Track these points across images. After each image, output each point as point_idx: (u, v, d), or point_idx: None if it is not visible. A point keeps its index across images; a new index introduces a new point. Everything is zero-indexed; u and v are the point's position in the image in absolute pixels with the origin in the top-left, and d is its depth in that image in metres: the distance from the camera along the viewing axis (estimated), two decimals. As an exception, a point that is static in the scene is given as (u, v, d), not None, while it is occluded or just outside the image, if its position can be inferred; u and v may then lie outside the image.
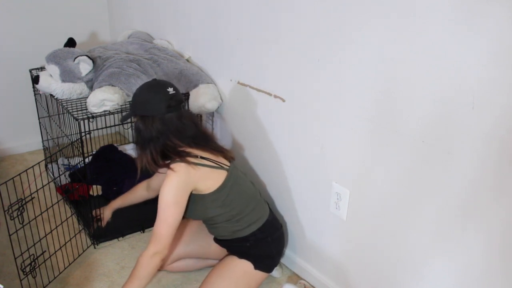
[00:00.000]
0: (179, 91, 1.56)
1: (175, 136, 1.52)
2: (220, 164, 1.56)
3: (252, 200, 1.63)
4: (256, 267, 1.62)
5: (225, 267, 1.63)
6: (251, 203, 1.63)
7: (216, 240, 1.72)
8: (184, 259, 1.80)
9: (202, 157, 1.52)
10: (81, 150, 1.79)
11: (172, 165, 1.48)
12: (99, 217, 1.95)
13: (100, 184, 2.25)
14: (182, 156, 1.49)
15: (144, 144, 1.54)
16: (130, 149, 2.77)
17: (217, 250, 1.75)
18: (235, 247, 1.65)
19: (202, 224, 1.73)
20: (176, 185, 1.47)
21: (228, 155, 1.63)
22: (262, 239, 1.64)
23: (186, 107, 2.03)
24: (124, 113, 1.79)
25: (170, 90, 1.52)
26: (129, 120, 1.69)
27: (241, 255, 1.63)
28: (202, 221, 1.70)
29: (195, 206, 1.56)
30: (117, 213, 2.07)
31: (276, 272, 1.81)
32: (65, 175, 2.23)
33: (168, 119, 1.51)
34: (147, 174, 1.63)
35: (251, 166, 1.96)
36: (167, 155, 1.53)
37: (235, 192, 1.58)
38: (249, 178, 1.73)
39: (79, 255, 1.89)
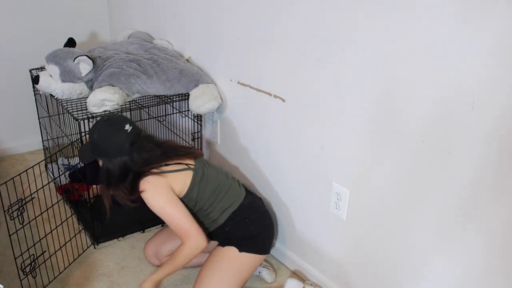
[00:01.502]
0: (134, 123, 1.58)
1: (144, 164, 1.57)
2: (186, 165, 1.62)
3: (222, 189, 1.66)
4: (240, 250, 1.63)
5: (212, 259, 1.65)
6: (221, 191, 1.65)
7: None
8: None
9: (166, 165, 1.59)
10: (81, 150, 1.79)
11: (141, 183, 1.54)
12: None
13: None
14: (146, 174, 1.55)
15: (117, 183, 1.57)
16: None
17: (213, 244, 1.75)
18: (218, 235, 1.69)
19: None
20: (155, 191, 1.54)
21: (196, 154, 1.69)
22: (240, 221, 1.66)
23: (186, 108, 2.03)
24: (124, 114, 1.79)
25: (127, 127, 1.55)
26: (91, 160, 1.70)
27: (224, 242, 1.66)
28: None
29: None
30: (117, 213, 2.06)
31: (268, 277, 1.80)
32: (65, 175, 2.23)
33: (135, 156, 1.55)
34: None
35: (251, 166, 1.96)
36: (136, 182, 1.57)
37: (203, 187, 1.62)
38: (217, 166, 1.76)
39: (79, 255, 1.89)
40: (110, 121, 1.58)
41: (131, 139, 1.54)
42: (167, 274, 1.59)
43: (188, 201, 1.61)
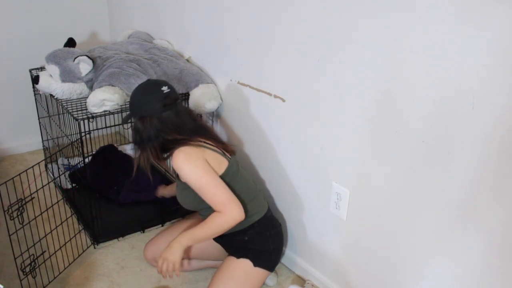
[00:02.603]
0: (174, 88, 1.58)
1: (174, 132, 1.54)
2: (223, 151, 1.59)
3: (251, 192, 1.64)
4: (255, 264, 1.61)
5: (225, 270, 1.62)
6: (250, 195, 1.63)
7: (216, 238, 1.71)
8: (183, 259, 1.79)
9: (205, 142, 1.55)
10: (81, 150, 1.79)
11: (175, 152, 1.51)
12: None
13: (101, 184, 2.25)
14: (182, 143, 1.52)
15: (144, 143, 1.56)
16: (130, 149, 2.76)
17: (216, 250, 1.75)
18: (234, 242, 1.65)
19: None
20: (190, 158, 1.49)
21: (229, 148, 1.65)
22: (261, 233, 1.64)
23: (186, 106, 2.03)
24: (124, 115, 1.79)
25: (165, 88, 1.54)
26: (129, 120, 1.70)
27: (240, 253, 1.63)
28: (200, 214, 1.70)
29: (195, 194, 1.55)
30: (117, 213, 2.07)
31: (269, 280, 1.79)
32: (65, 175, 2.23)
33: (165, 117, 1.53)
34: (144, 174, 1.65)
35: (251, 166, 1.95)
36: (168, 148, 1.56)
37: (236, 182, 1.59)
38: (250, 174, 1.73)
39: (79, 255, 1.89)
40: (150, 81, 1.60)
41: (165, 101, 1.52)
42: (196, 240, 1.54)
43: None
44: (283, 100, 1.68)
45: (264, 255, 1.64)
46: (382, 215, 1.43)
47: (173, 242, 1.54)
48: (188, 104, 1.99)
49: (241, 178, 1.62)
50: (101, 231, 1.96)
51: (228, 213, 1.49)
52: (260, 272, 1.63)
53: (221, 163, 1.56)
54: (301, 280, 1.83)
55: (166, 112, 1.53)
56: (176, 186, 1.73)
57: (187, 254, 1.78)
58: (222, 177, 1.54)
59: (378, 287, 1.52)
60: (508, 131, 1.05)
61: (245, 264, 1.61)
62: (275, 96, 1.71)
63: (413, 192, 1.31)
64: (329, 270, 1.71)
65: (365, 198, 1.48)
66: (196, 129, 1.60)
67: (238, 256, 1.62)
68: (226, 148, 1.62)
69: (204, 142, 1.56)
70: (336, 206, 1.58)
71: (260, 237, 1.64)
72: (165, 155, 1.59)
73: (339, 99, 1.46)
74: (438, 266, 1.30)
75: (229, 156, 1.61)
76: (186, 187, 1.57)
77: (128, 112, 1.66)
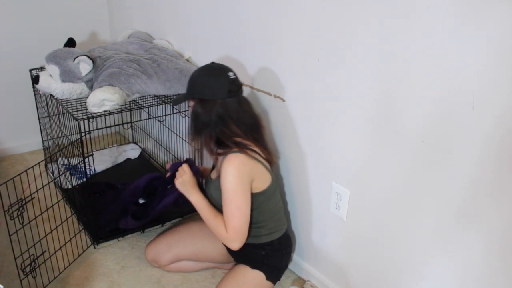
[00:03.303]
0: (237, 76, 1.53)
1: (234, 123, 1.48)
2: (269, 168, 1.55)
3: (278, 211, 1.63)
4: (268, 278, 1.62)
5: (237, 277, 1.62)
6: (277, 214, 1.62)
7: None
8: (182, 261, 1.80)
9: (257, 153, 1.51)
10: (81, 150, 1.79)
11: (231, 154, 1.45)
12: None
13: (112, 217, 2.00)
14: (240, 147, 1.47)
15: (201, 129, 1.50)
16: (130, 149, 2.77)
17: (216, 254, 1.75)
18: (250, 253, 1.62)
19: (201, 226, 1.71)
20: (240, 173, 1.44)
21: (272, 158, 1.60)
22: (278, 251, 1.64)
23: (186, 108, 2.03)
24: (124, 115, 1.78)
25: (231, 74, 1.49)
26: (129, 120, 1.68)
27: (254, 264, 1.62)
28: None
29: None
30: (118, 213, 2.05)
31: None
32: (65, 175, 2.23)
33: (229, 104, 1.47)
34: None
35: (251, 166, 1.95)
36: (222, 142, 1.49)
37: (269, 202, 1.58)
38: (279, 191, 1.71)
39: (79, 255, 1.89)
40: (215, 64, 1.54)
41: (230, 86, 1.46)
42: (198, 210, 1.56)
43: (253, 201, 1.52)
44: (283, 100, 1.68)
45: (276, 270, 1.66)
46: (382, 215, 1.43)
47: (192, 188, 1.56)
48: (188, 104, 1.99)
49: (274, 199, 1.61)
50: (101, 231, 1.96)
51: (229, 237, 1.49)
52: (269, 285, 1.64)
53: (265, 181, 1.54)
54: (301, 281, 1.83)
55: (230, 98, 1.47)
56: (207, 178, 1.68)
57: (185, 256, 1.78)
58: (260, 194, 1.53)
59: (378, 287, 1.52)
60: (508, 131, 1.05)
61: (258, 275, 1.61)
62: (275, 96, 1.71)
63: (413, 192, 1.31)
64: (329, 270, 1.71)
65: (365, 198, 1.48)
66: (253, 126, 1.54)
67: (253, 266, 1.62)
68: (270, 159, 1.58)
69: (256, 152, 1.50)
70: (336, 206, 1.58)
71: (277, 254, 1.65)
72: (219, 151, 1.51)
73: (339, 99, 1.46)
74: (438, 266, 1.30)
75: (271, 171, 1.58)
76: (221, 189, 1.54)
77: (179, 94, 1.57)
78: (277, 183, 1.66)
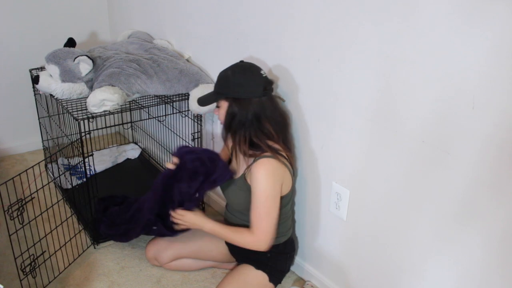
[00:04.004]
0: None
1: (268, 121, 1.48)
2: (292, 172, 1.55)
3: (289, 216, 1.64)
4: (270, 280, 1.63)
5: (241, 276, 1.62)
6: (288, 219, 1.63)
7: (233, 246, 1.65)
8: (182, 259, 1.80)
9: (285, 158, 1.51)
10: (81, 150, 1.79)
11: (265, 159, 1.45)
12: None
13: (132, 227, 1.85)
14: (273, 151, 1.47)
15: (236, 129, 1.48)
16: (130, 149, 2.77)
17: (217, 253, 1.75)
18: (253, 255, 1.61)
19: None
20: (273, 178, 1.45)
21: (293, 160, 1.61)
22: (282, 254, 1.65)
23: (186, 108, 2.03)
24: (124, 115, 1.77)
25: (263, 72, 1.49)
26: (129, 120, 1.67)
27: (259, 265, 1.62)
28: (231, 212, 1.68)
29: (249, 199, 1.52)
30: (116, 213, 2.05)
31: None
32: (65, 175, 2.23)
33: (264, 102, 1.46)
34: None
35: (251, 166, 1.95)
36: (253, 143, 1.49)
37: (286, 207, 1.59)
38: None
39: (79, 255, 1.89)
40: (245, 63, 1.52)
41: (265, 85, 1.45)
42: (217, 235, 1.56)
43: None
44: (283, 100, 1.68)
45: (279, 273, 1.67)
46: (382, 215, 1.43)
47: (200, 220, 1.55)
48: (188, 104, 1.99)
49: (291, 203, 1.62)
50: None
51: (258, 240, 1.49)
52: (272, 286, 1.65)
53: (288, 186, 1.54)
54: (301, 281, 1.83)
55: (265, 97, 1.47)
56: (232, 182, 1.62)
57: (185, 254, 1.78)
58: (282, 198, 1.53)
59: (378, 287, 1.52)
60: (508, 131, 1.05)
61: (261, 276, 1.62)
62: (275, 96, 1.71)
63: (413, 192, 1.31)
64: (329, 271, 1.71)
65: (365, 198, 1.48)
66: (283, 125, 1.54)
67: (257, 267, 1.62)
68: (291, 160, 1.57)
69: (284, 157, 1.50)
70: (336, 206, 1.58)
71: (282, 257, 1.66)
72: (250, 152, 1.49)
73: (339, 99, 1.46)
74: (438, 266, 1.30)
75: (293, 175, 1.58)
76: (245, 190, 1.53)
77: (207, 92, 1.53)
78: (295, 189, 1.67)
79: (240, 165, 1.58)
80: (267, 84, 1.48)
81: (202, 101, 1.57)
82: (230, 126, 1.50)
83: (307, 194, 1.71)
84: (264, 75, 1.48)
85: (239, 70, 1.48)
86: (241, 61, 1.56)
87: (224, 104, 1.50)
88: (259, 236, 1.48)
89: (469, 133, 1.13)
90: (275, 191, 1.46)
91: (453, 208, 1.22)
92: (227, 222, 1.71)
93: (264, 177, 1.44)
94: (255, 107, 1.45)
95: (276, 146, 1.50)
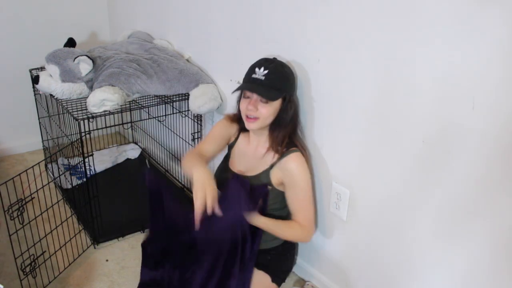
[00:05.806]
0: None
1: (297, 117, 1.53)
2: None
3: (289, 215, 1.63)
4: (273, 280, 1.62)
5: None
6: (288, 216, 1.62)
7: None
8: None
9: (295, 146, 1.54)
10: (81, 150, 1.79)
11: (296, 153, 1.49)
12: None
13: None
14: (303, 148, 1.53)
15: (284, 125, 1.49)
16: (130, 149, 2.77)
17: None
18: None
19: None
20: (307, 170, 1.50)
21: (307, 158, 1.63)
22: (283, 255, 1.66)
23: (186, 108, 2.03)
24: (124, 115, 1.77)
25: None
26: (129, 120, 1.65)
27: (260, 266, 1.62)
28: None
29: (277, 197, 1.54)
30: (117, 213, 2.06)
31: None
32: (65, 175, 2.23)
33: (296, 98, 1.53)
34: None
35: (251, 166, 1.95)
36: (291, 140, 1.52)
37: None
38: None
39: (79, 255, 1.89)
40: (277, 60, 1.51)
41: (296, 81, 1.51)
42: (265, 228, 1.48)
43: (283, 200, 1.55)
44: (283, 100, 1.68)
45: (282, 274, 1.67)
46: (382, 215, 1.43)
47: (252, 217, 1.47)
48: (188, 104, 1.99)
49: None
50: (101, 231, 1.96)
51: (308, 230, 1.52)
52: (275, 287, 1.65)
53: None
54: (301, 281, 1.83)
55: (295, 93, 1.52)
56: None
57: None
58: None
59: (378, 287, 1.52)
60: (508, 131, 1.05)
61: (264, 277, 1.61)
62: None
63: (413, 192, 1.31)
64: (329, 271, 1.71)
65: (365, 198, 1.48)
66: (297, 121, 1.55)
67: (259, 267, 1.61)
68: (307, 158, 1.60)
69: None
70: (336, 206, 1.58)
71: (283, 258, 1.67)
72: (280, 149, 1.50)
73: (338, 99, 1.46)
74: (439, 266, 1.30)
75: None
76: (272, 189, 1.53)
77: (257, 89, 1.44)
78: None
79: (256, 162, 1.54)
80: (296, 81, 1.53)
81: (270, 97, 1.42)
82: (280, 123, 1.48)
83: (307, 194, 1.71)
84: None
85: (286, 66, 1.50)
86: (274, 58, 1.51)
87: (277, 101, 1.45)
88: (308, 227, 1.52)
89: (469, 133, 1.13)
90: (310, 182, 1.51)
91: (453, 208, 1.22)
92: None
93: (302, 168, 1.48)
94: (295, 104, 1.51)
95: (296, 142, 1.54)
